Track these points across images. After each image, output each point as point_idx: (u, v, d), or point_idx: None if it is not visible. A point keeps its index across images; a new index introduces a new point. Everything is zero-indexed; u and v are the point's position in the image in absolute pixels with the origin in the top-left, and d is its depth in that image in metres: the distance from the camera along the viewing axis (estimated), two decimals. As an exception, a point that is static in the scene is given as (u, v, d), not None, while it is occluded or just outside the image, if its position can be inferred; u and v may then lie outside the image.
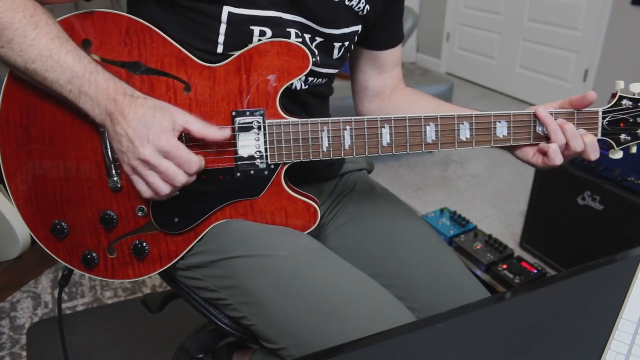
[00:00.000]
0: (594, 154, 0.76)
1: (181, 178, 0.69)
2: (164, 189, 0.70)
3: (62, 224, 0.79)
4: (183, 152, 0.69)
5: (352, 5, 0.82)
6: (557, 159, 0.76)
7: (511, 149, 0.82)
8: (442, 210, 2.10)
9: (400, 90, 1.00)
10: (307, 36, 0.80)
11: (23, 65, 0.68)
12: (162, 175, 0.69)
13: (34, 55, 0.67)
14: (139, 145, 0.67)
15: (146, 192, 0.71)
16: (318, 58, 0.83)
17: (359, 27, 0.86)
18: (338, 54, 0.86)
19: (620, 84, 0.77)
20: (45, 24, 0.68)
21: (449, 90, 3.11)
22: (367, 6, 0.84)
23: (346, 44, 0.86)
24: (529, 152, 0.80)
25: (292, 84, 0.76)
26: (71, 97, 0.69)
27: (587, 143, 0.75)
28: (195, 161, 0.70)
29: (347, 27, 0.84)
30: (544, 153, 0.77)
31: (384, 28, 0.92)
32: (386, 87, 0.99)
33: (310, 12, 0.78)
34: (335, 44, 0.84)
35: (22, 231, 1.58)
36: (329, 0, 0.79)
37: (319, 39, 0.82)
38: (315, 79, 0.85)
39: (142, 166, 0.68)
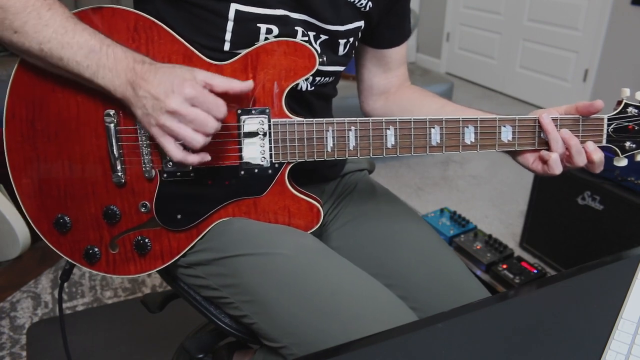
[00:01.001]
0: (599, 169, 0.77)
1: (212, 124, 0.68)
2: (198, 138, 0.68)
3: (65, 218, 0.79)
4: (209, 96, 0.68)
5: (354, 1, 0.82)
6: (557, 169, 0.76)
7: (513, 154, 0.82)
8: (442, 210, 2.11)
9: (405, 88, 1.00)
10: (311, 34, 0.80)
11: (38, 46, 0.67)
12: (193, 124, 0.67)
13: (49, 35, 0.67)
14: (164, 98, 0.66)
15: (177, 153, 0.69)
16: (325, 58, 0.83)
17: (361, 23, 0.86)
18: (343, 50, 0.86)
19: (626, 92, 0.76)
20: (59, 6, 0.69)
21: (449, 90, 3.11)
22: (370, 3, 0.84)
23: (351, 40, 0.86)
24: (530, 158, 0.80)
25: (298, 84, 0.77)
26: (88, 74, 0.68)
27: (597, 161, 0.76)
28: (222, 104, 0.69)
29: (351, 23, 0.84)
30: (545, 161, 0.77)
31: (389, 27, 0.92)
32: (391, 85, 0.99)
33: (314, 10, 0.78)
34: (340, 40, 0.84)
35: (22, 231, 1.58)
36: None
37: (323, 37, 0.82)
38: (322, 78, 0.86)
39: (172, 119, 0.67)
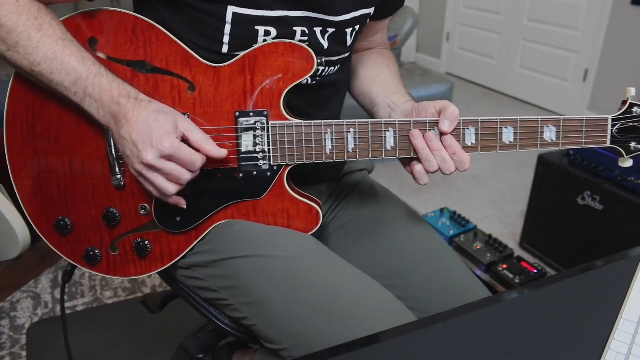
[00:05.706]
0: (464, 167, 0.76)
1: (186, 177, 0.70)
2: (170, 189, 0.70)
3: (66, 220, 0.79)
4: (185, 154, 0.69)
5: None
6: (421, 180, 0.77)
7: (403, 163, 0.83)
8: (442, 210, 2.11)
9: (371, 52, 0.99)
10: (318, 30, 0.78)
11: (29, 67, 0.68)
12: (168, 176, 0.69)
13: (39, 58, 0.67)
14: (142, 149, 0.67)
15: (155, 192, 0.72)
16: (323, 59, 0.82)
17: (371, 10, 0.84)
18: (351, 39, 0.84)
19: (632, 91, 0.75)
20: (49, 25, 0.69)
21: (449, 90, 3.11)
22: None
23: (357, 27, 0.84)
24: (407, 168, 0.81)
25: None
26: (76, 100, 0.70)
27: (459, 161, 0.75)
28: (198, 160, 0.70)
29: (357, 10, 0.81)
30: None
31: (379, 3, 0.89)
32: (361, 47, 0.99)
33: (317, 3, 0.76)
34: (347, 30, 0.82)
35: (22, 231, 1.58)
36: None
37: (331, 30, 0.80)
38: (328, 67, 0.84)
39: (147, 170, 0.69)
